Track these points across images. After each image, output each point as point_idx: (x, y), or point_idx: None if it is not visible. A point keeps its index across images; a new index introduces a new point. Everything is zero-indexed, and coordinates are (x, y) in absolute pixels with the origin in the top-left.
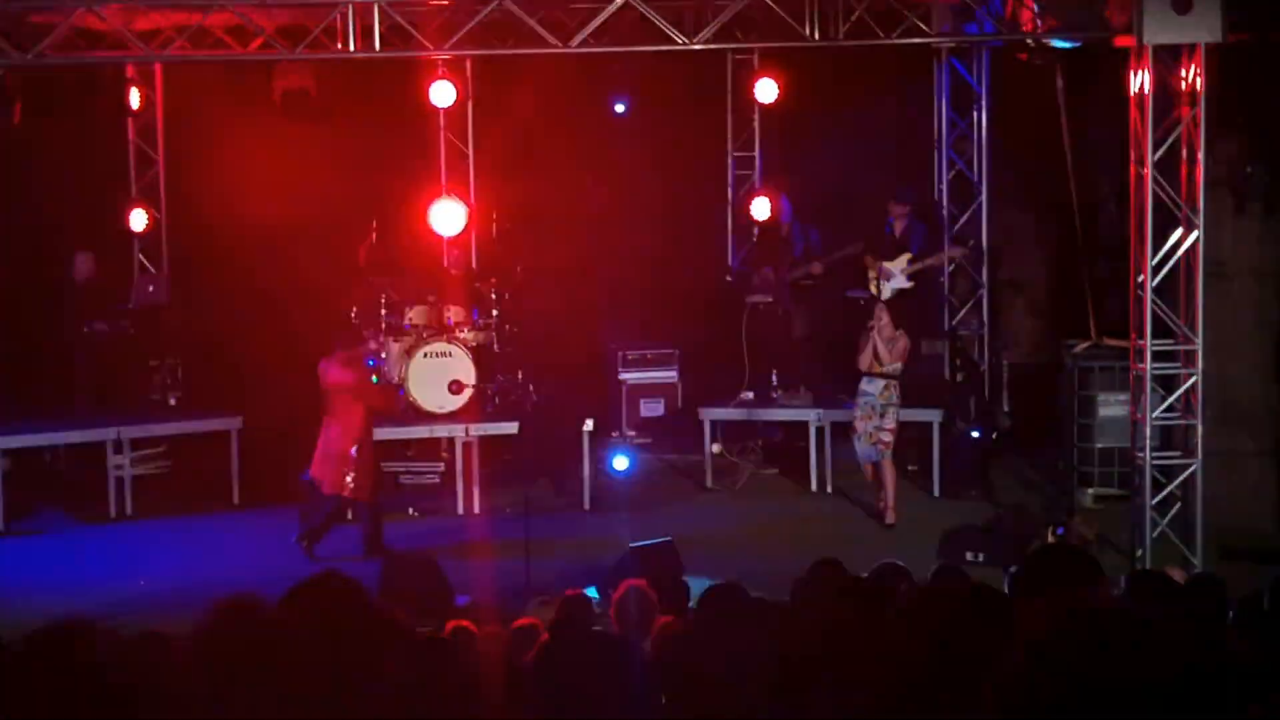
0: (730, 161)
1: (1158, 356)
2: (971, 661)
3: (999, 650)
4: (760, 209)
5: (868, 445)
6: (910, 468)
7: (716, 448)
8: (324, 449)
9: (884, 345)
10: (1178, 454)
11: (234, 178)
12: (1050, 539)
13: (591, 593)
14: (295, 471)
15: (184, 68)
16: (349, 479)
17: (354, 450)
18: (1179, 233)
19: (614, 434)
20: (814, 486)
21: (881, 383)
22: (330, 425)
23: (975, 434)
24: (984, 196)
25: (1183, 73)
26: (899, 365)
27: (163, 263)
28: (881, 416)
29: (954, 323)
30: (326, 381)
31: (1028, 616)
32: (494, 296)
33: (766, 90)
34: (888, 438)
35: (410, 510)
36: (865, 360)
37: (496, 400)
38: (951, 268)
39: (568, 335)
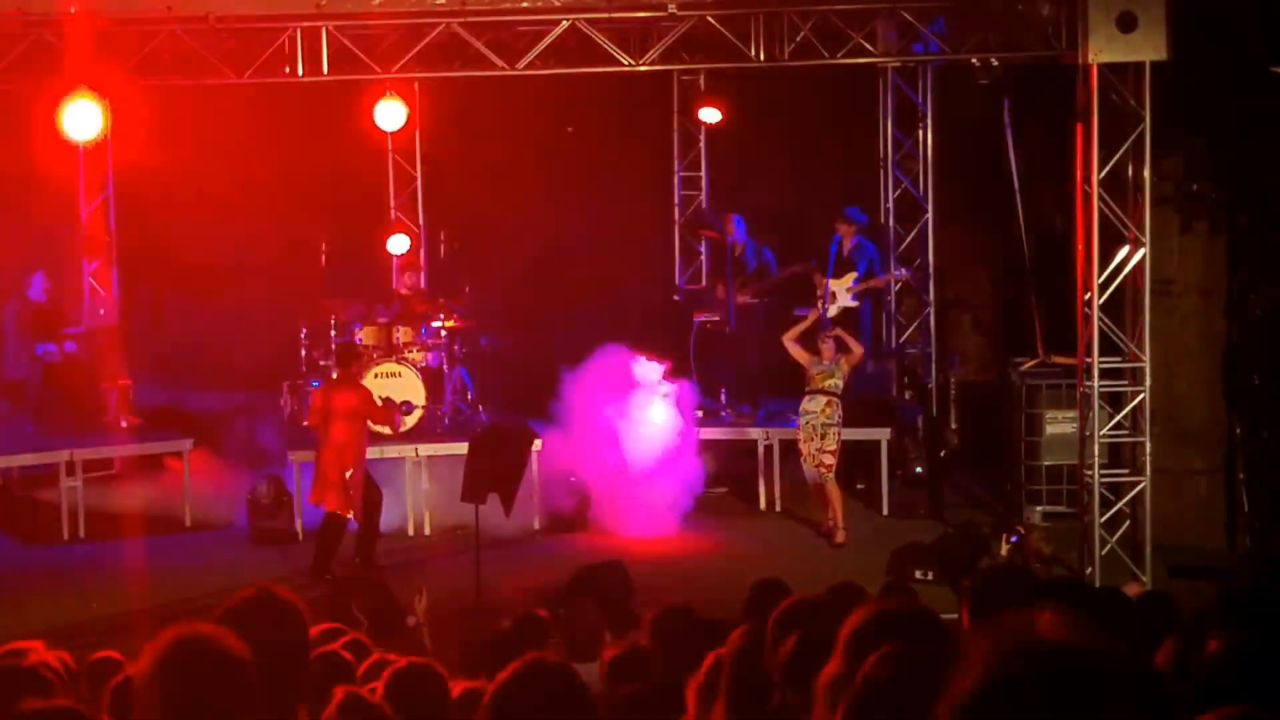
0: (677, 181)
1: (1105, 374)
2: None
3: (949, 674)
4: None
5: (811, 468)
6: (858, 486)
7: None
8: (339, 475)
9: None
10: (1126, 471)
11: (184, 198)
12: (1004, 548)
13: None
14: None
15: (133, 90)
16: (352, 500)
17: (349, 473)
18: (1126, 250)
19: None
20: (763, 505)
21: (823, 399)
22: (334, 449)
23: (918, 469)
24: (930, 215)
25: (1128, 91)
26: (840, 382)
27: (113, 285)
28: (822, 438)
29: (901, 341)
30: (334, 405)
31: (981, 641)
32: (442, 317)
33: (709, 115)
34: (829, 460)
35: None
36: (799, 351)
37: (446, 421)
38: (898, 287)
39: (516, 355)
